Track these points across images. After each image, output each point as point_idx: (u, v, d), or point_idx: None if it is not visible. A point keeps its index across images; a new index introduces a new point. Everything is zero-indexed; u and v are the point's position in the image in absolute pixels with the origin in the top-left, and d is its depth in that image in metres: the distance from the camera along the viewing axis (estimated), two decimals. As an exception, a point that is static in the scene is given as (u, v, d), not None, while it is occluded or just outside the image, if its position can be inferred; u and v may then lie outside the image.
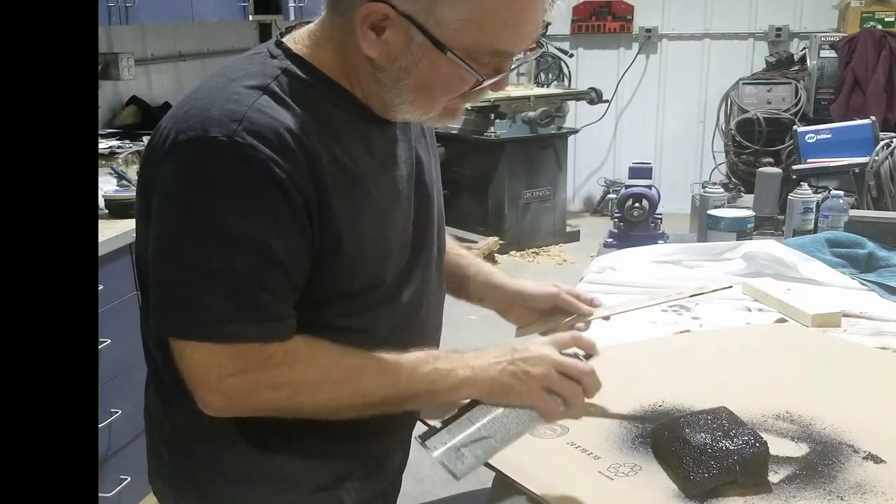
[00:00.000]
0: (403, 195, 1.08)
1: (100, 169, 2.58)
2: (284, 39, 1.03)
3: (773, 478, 1.00)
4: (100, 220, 2.24)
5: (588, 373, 1.03)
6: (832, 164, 2.70)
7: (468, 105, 1.09)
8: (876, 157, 2.61)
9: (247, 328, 0.93)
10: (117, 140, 2.93)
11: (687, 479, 0.98)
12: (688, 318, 1.61)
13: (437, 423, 0.98)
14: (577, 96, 5.37)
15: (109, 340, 2.11)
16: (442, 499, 1.41)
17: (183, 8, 3.05)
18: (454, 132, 5.06)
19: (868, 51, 4.77)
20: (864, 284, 1.78)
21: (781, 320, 1.60)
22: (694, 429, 1.01)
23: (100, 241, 2.11)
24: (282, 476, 1.07)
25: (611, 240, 2.25)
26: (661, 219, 2.27)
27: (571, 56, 5.83)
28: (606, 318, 1.31)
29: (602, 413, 1.16)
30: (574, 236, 5.39)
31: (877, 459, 1.05)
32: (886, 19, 5.03)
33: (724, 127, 5.66)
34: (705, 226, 2.09)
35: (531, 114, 4.97)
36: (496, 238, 5.01)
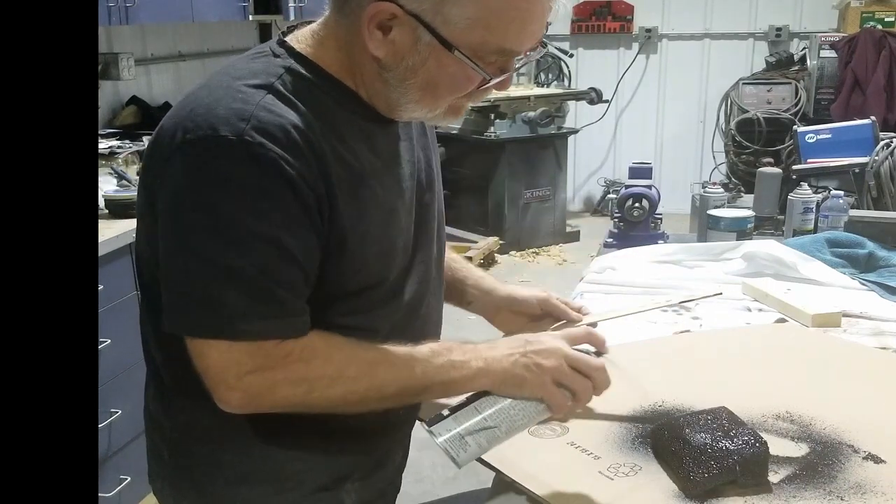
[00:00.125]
0: (406, 194, 1.09)
1: (100, 169, 2.58)
2: (287, 39, 1.03)
3: (773, 478, 1.00)
4: (100, 220, 2.24)
5: (599, 368, 1.03)
6: (832, 164, 2.70)
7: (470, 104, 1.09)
8: (876, 157, 2.61)
9: (265, 325, 0.93)
10: (117, 140, 2.93)
11: (687, 479, 0.97)
12: (688, 318, 1.61)
13: (444, 411, 0.99)
14: (577, 96, 5.37)
15: (109, 340, 2.11)
16: (442, 499, 1.41)
17: (183, 8, 3.05)
18: (454, 132, 5.05)
19: (868, 51, 4.78)
20: (864, 284, 1.78)
21: (781, 320, 1.60)
22: (694, 429, 1.01)
23: (100, 241, 2.11)
24: (282, 476, 1.07)
25: (611, 240, 2.25)
26: (661, 219, 2.27)
27: (571, 56, 5.83)
28: (594, 324, 1.31)
29: (602, 413, 1.16)
30: (574, 236, 5.39)
31: (877, 459, 1.05)
32: (886, 19, 5.04)
33: (724, 127, 5.66)
34: (705, 226, 2.09)
35: (531, 114, 4.97)
36: (496, 238, 5.00)
